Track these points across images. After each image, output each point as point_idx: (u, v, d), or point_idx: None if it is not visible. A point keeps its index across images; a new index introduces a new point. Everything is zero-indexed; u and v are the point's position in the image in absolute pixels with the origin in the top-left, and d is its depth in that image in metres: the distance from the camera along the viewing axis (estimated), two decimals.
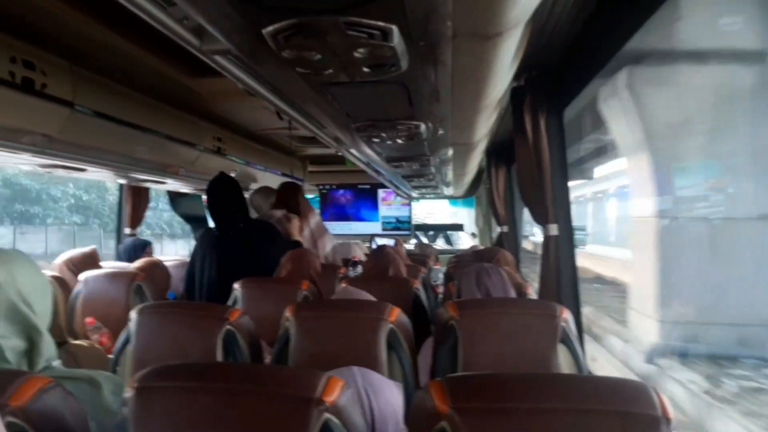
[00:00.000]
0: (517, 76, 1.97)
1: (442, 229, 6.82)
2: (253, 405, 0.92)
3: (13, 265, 0.97)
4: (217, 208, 2.56)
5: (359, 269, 3.04)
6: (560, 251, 2.16)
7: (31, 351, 0.96)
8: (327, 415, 0.88)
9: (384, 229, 5.72)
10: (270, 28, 0.92)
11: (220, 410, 0.92)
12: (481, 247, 4.60)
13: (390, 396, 1.24)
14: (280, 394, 0.93)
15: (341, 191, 5.75)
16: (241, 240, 2.47)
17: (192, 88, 2.49)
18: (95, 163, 2.50)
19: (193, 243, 4.51)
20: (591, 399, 0.87)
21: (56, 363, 1.01)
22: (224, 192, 2.56)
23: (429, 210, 6.68)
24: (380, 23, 0.90)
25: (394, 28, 0.92)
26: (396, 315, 1.56)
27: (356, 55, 1.02)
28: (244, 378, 0.99)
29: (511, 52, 1.19)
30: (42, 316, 0.99)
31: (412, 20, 0.90)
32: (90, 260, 2.80)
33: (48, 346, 0.98)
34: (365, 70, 1.11)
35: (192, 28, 1.05)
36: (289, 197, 3.11)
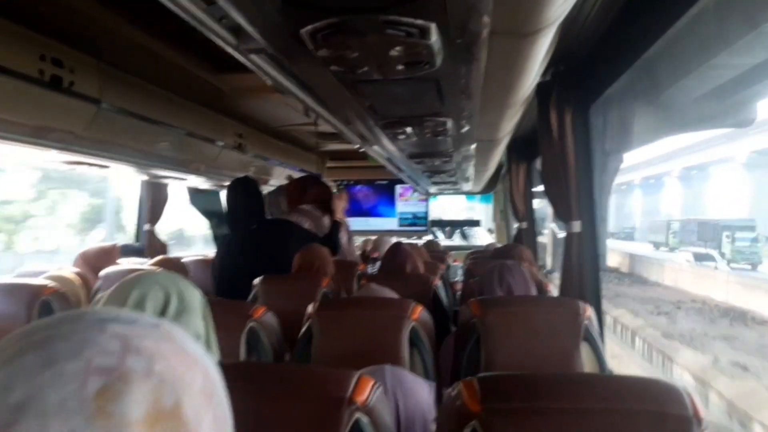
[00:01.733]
0: (543, 71, 1.95)
1: (459, 225, 6.80)
2: (284, 405, 0.93)
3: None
4: (231, 212, 2.58)
5: (378, 265, 3.04)
6: (583, 248, 2.14)
7: None
8: (357, 414, 0.88)
9: (401, 225, 5.72)
10: (308, 28, 0.92)
11: (251, 410, 0.92)
12: (500, 245, 4.58)
13: (420, 397, 1.24)
14: (311, 393, 0.93)
15: (359, 187, 5.76)
16: (254, 243, 2.48)
17: (215, 85, 2.51)
18: (119, 160, 2.53)
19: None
20: (623, 399, 0.87)
21: None
22: (237, 196, 2.57)
23: (443, 206, 6.64)
24: (419, 21, 0.90)
25: (433, 26, 0.92)
26: (418, 312, 1.56)
27: (392, 53, 1.02)
28: (275, 378, 0.99)
29: (544, 49, 1.19)
30: None
31: (452, 18, 0.90)
32: (107, 256, 2.78)
33: None
34: (399, 67, 1.11)
35: (230, 26, 1.06)
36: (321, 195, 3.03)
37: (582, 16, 1.57)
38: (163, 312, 0.98)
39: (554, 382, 0.93)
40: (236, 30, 1.08)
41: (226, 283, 2.46)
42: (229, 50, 1.14)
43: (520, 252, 2.87)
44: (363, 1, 0.85)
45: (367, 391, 0.91)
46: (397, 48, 1.00)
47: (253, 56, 1.18)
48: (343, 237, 3.12)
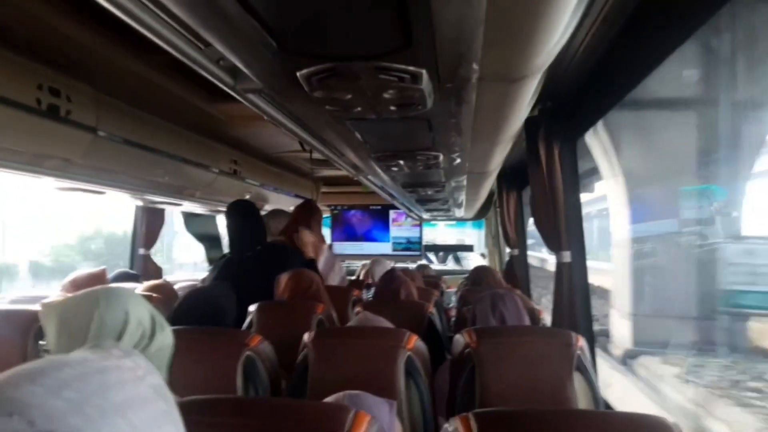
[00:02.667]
0: (531, 107, 1.99)
1: (452, 250, 6.82)
2: None
3: None
4: (234, 234, 2.58)
5: (372, 291, 3.05)
6: (573, 278, 2.16)
7: None
8: None
9: (394, 250, 5.74)
10: (305, 71, 0.95)
11: None
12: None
13: (380, 420, 1.24)
14: (308, 430, 0.94)
15: (353, 212, 5.80)
16: (256, 265, 2.48)
17: (210, 113, 2.53)
18: (114, 186, 2.54)
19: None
20: None
21: None
22: (241, 218, 2.58)
23: (437, 230, 6.69)
24: (411, 68, 0.93)
25: (424, 72, 0.95)
26: (413, 342, 1.57)
27: (385, 95, 1.05)
28: (272, 413, 0.99)
29: (531, 91, 1.22)
30: None
31: (442, 65, 0.94)
32: (97, 281, 2.72)
33: None
34: (392, 108, 1.14)
35: (227, 68, 1.09)
36: (303, 219, 3.09)
37: (569, 54, 1.61)
38: (153, 329, 1.01)
39: (548, 418, 0.95)
40: (233, 71, 1.11)
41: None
42: (227, 90, 1.17)
43: (489, 274, 2.96)
44: (357, 49, 0.88)
45: (364, 426, 0.92)
46: (390, 91, 1.03)
47: (250, 95, 1.21)
48: (324, 262, 3.12)
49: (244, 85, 1.13)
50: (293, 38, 0.87)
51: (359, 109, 1.15)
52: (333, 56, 0.91)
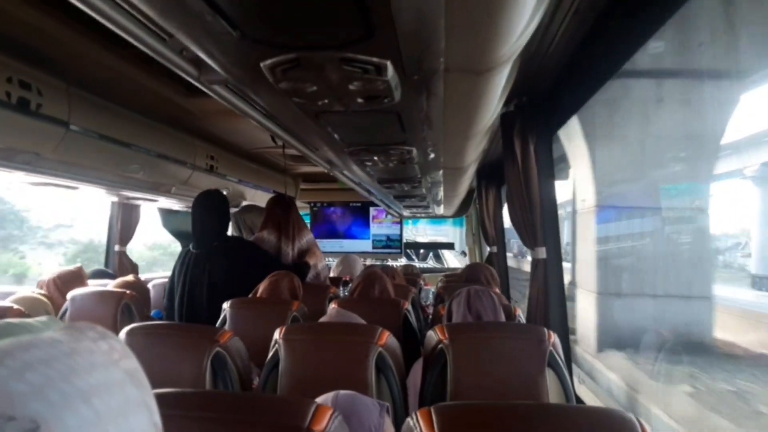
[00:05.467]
0: (506, 102, 2.00)
1: (433, 248, 6.84)
2: None
3: None
4: (194, 226, 2.54)
5: (349, 288, 3.04)
6: (549, 275, 2.17)
7: None
8: None
9: (374, 247, 5.74)
10: (268, 62, 0.94)
11: None
12: None
13: (366, 419, 1.23)
14: (269, 423, 0.93)
15: (332, 209, 5.77)
16: (217, 259, 2.44)
17: (186, 107, 2.50)
18: (88, 182, 2.50)
19: None
20: (578, 428, 0.89)
21: None
22: (204, 208, 2.53)
23: (417, 228, 6.71)
24: (375, 59, 0.93)
25: (389, 64, 0.95)
26: (385, 338, 1.57)
27: (351, 87, 1.05)
28: (232, 407, 0.98)
29: (501, 84, 1.22)
30: None
31: (406, 56, 0.93)
32: (77, 278, 2.81)
33: None
34: (359, 100, 1.14)
35: (190, 59, 1.07)
36: (280, 213, 3.07)
37: (542, 50, 1.62)
38: None
39: (510, 411, 0.95)
40: (197, 62, 1.09)
41: (182, 300, 2.42)
42: (192, 81, 1.15)
43: (486, 272, 2.94)
44: (318, 39, 0.87)
45: (325, 420, 0.91)
46: (355, 83, 1.02)
47: (216, 86, 1.20)
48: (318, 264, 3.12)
49: (208, 76, 1.12)
50: (254, 27, 0.85)
51: (326, 101, 1.14)
52: (296, 46, 0.90)
